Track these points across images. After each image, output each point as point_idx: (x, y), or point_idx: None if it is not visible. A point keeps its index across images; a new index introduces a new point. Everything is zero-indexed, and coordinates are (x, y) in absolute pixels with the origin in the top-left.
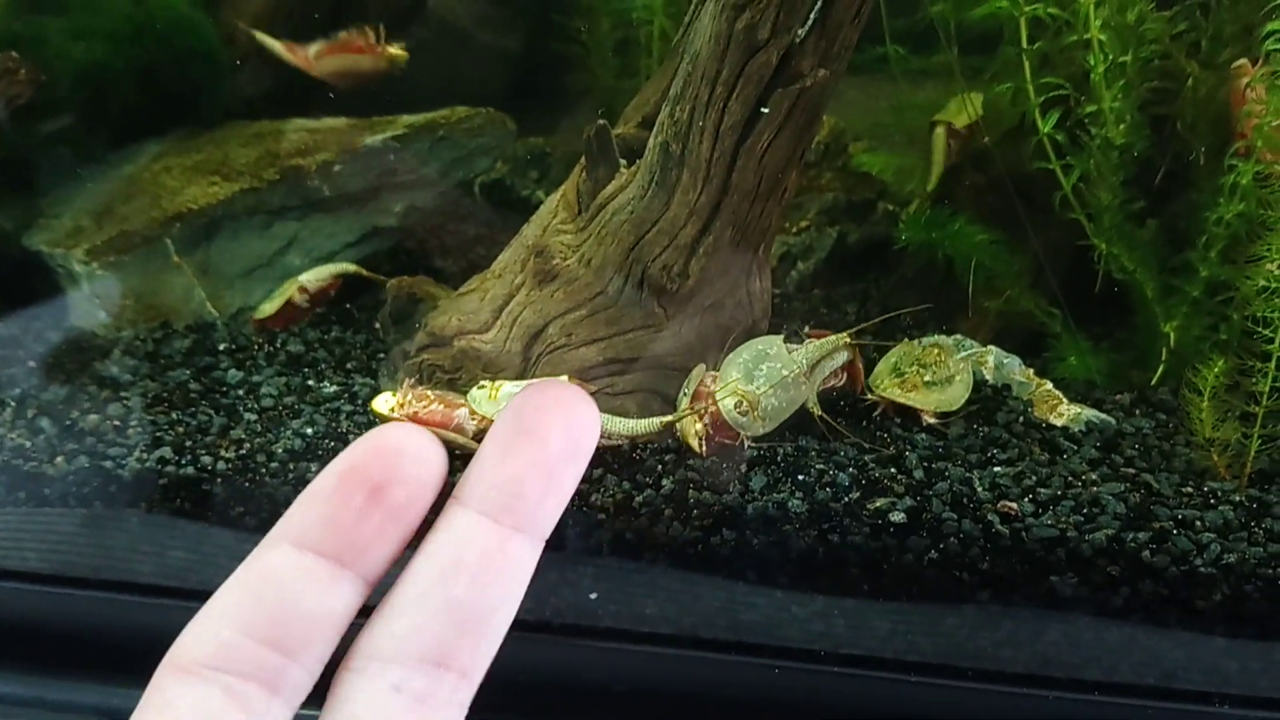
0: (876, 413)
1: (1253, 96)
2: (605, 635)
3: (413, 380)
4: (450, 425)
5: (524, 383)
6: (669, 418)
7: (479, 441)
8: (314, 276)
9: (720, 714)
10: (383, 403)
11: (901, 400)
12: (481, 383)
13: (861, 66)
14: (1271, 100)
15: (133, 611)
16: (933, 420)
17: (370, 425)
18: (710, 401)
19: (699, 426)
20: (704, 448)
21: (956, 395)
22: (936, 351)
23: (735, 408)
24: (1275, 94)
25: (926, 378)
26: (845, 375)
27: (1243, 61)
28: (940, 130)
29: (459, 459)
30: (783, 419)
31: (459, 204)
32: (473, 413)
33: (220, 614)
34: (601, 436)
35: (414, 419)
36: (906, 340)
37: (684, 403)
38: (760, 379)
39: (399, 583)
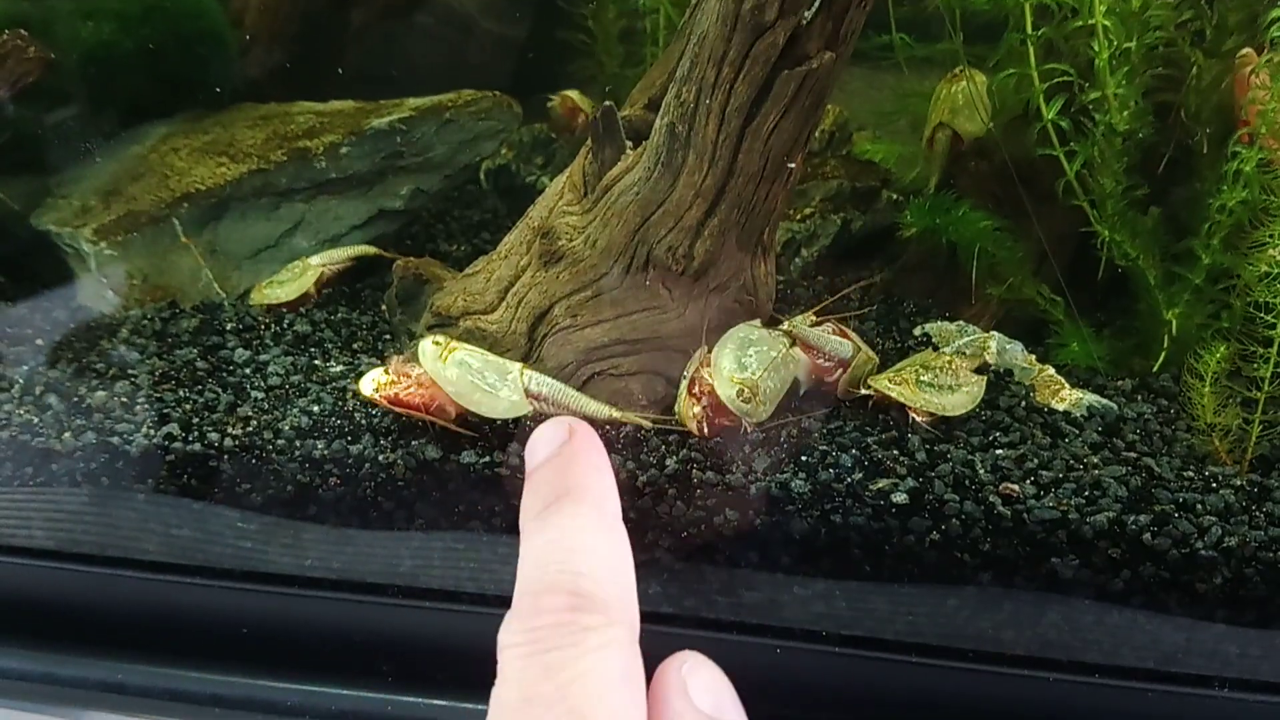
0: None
1: (1256, 83)
2: None
3: (404, 356)
4: (430, 408)
5: (479, 351)
6: (621, 414)
7: (458, 425)
8: (327, 259)
9: None
10: (368, 384)
11: (887, 393)
12: (436, 338)
13: (866, 54)
14: (1276, 87)
15: (140, 588)
16: (921, 419)
17: (376, 404)
18: (707, 388)
19: (697, 409)
20: (704, 430)
21: (956, 403)
22: (948, 359)
23: (738, 396)
24: (1279, 81)
25: (923, 378)
26: (839, 367)
27: (1247, 50)
28: (943, 135)
29: (433, 433)
30: (779, 399)
31: (465, 188)
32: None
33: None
34: (551, 405)
35: (394, 400)
36: (931, 350)
37: (684, 385)
38: (752, 364)
39: None
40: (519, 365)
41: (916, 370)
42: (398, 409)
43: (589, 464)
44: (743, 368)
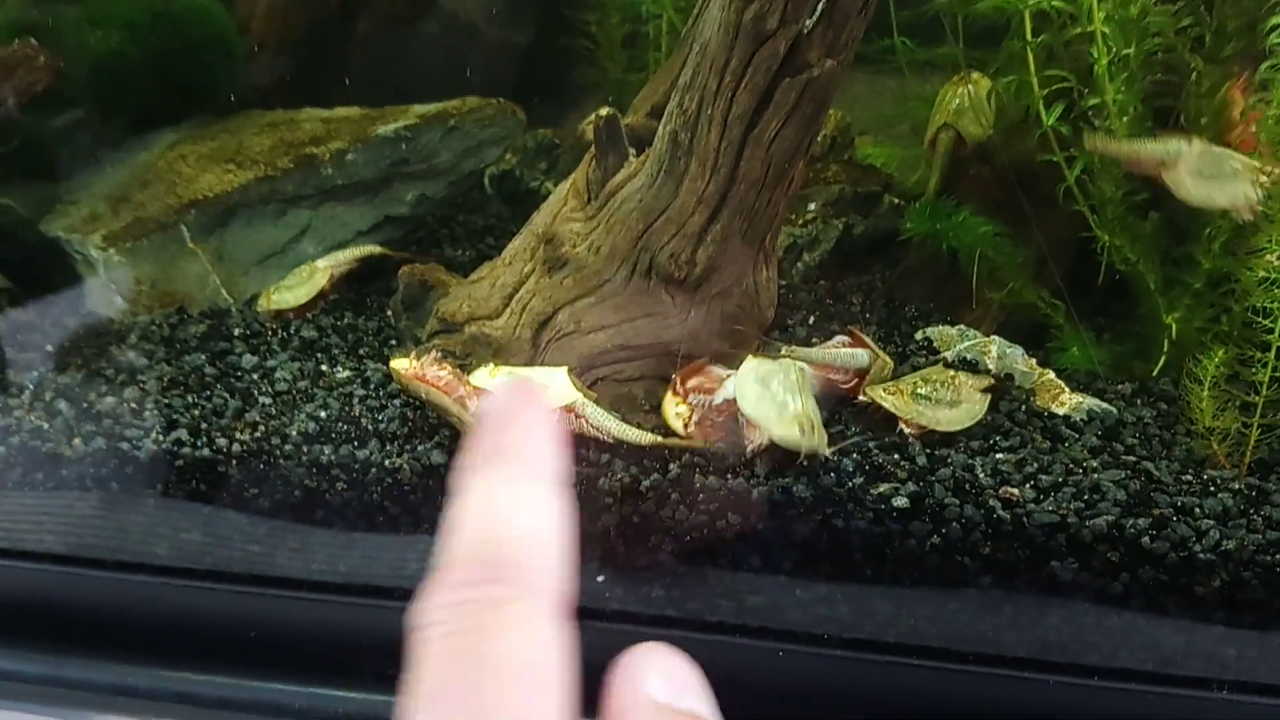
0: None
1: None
2: (612, 617)
3: (436, 356)
4: (453, 394)
5: (522, 370)
6: (662, 440)
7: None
8: (334, 261)
9: (725, 696)
10: (401, 361)
11: (880, 402)
12: (490, 368)
13: (868, 58)
14: (1276, 94)
15: (149, 592)
16: (910, 431)
17: (382, 409)
18: (682, 389)
19: (681, 409)
20: (688, 431)
21: (952, 419)
22: (952, 375)
23: (801, 433)
24: (1277, 87)
25: (920, 390)
26: (854, 378)
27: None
28: (946, 136)
29: (440, 438)
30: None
31: (469, 193)
32: (474, 390)
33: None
34: (590, 425)
35: (420, 378)
36: (941, 365)
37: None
38: (788, 397)
39: None
40: (564, 370)
41: (914, 382)
42: (421, 385)
43: (524, 423)
44: (784, 405)
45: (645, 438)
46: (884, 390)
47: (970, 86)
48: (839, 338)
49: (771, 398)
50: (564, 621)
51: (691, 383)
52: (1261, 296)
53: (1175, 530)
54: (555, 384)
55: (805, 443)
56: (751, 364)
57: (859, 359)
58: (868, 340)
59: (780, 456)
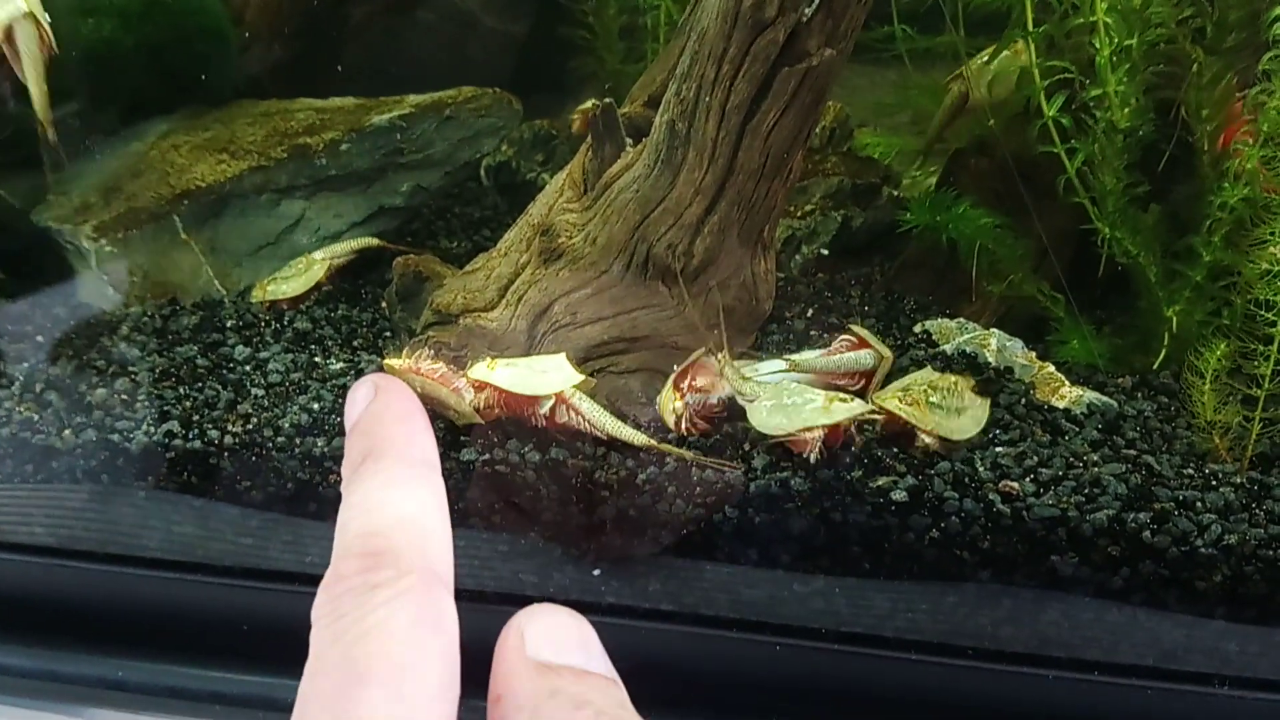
0: (879, 428)
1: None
2: (608, 611)
3: (430, 353)
4: (449, 385)
5: (520, 360)
6: (658, 444)
7: (476, 412)
8: (331, 253)
9: (721, 690)
10: (395, 360)
11: (897, 412)
12: (487, 361)
13: (869, 47)
14: (1278, 85)
15: (140, 585)
16: (930, 441)
17: None
18: (685, 386)
19: (677, 404)
20: (683, 427)
21: (963, 426)
22: (954, 381)
23: (846, 405)
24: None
25: (933, 399)
26: (861, 380)
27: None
28: (956, 87)
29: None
30: None
31: (465, 184)
32: (472, 383)
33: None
34: (585, 420)
35: (415, 371)
36: (929, 367)
37: (670, 380)
38: (806, 396)
39: None
40: (563, 356)
41: (925, 390)
42: (416, 378)
43: (392, 415)
44: (811, 401)
45: (639, 438)
46: (898, 401)
47: (1014, 54)
48: (841, 339)
49: (796, 408)
50: (443, 594)
51: (696, 381)
52: (1263, 289)
53: (1176, 524)
54: (556, 370)
55: (851, 411)
56: (755, 406)
57: (864, 361)
58: (870, 340)
59: (834, 442)
